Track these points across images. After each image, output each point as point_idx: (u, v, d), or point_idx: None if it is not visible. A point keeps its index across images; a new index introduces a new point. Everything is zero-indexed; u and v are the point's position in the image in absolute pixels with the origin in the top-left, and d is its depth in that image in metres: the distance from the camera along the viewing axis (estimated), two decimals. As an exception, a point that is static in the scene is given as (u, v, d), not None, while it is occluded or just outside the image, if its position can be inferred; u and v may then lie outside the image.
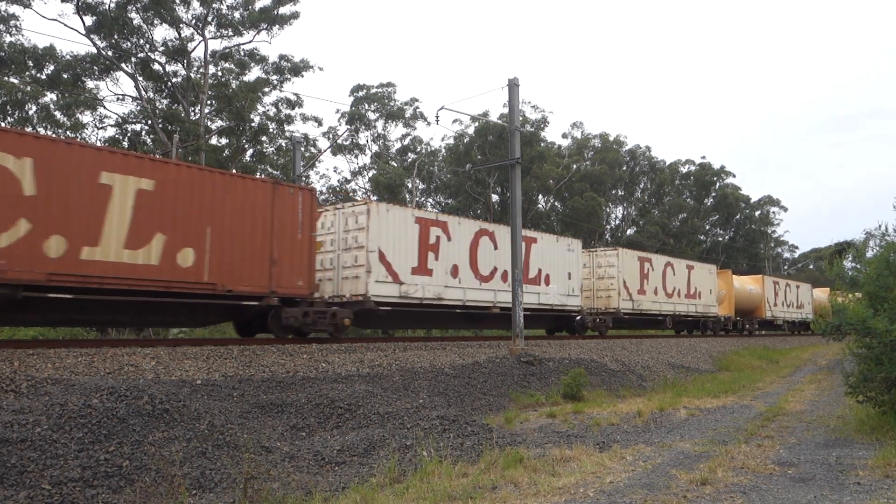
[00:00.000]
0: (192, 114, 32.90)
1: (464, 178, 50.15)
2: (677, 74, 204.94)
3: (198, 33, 33.07)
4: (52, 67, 30.74)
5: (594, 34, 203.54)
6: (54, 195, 10.95)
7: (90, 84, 32.20)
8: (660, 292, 27.45)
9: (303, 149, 37.12)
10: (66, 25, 34.00)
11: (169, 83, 33.21)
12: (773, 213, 78.46)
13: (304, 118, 39.44)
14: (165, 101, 33.97)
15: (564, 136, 61.30)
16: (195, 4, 32.28)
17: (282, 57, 35.77)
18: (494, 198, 51.01)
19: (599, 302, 25.33)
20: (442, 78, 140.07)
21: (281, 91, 36.63)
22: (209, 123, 34.35)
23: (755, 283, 37.52)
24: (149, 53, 32.35)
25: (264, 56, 35.36)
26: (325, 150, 44.49)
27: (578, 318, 23.66)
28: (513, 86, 17.69)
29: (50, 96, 30.65)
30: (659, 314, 27.53)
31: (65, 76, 31.00)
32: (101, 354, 10.63)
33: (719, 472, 6.73)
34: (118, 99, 33.82)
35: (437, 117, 18.40)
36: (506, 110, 19.32)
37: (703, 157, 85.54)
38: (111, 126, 33.24)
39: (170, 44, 32.64)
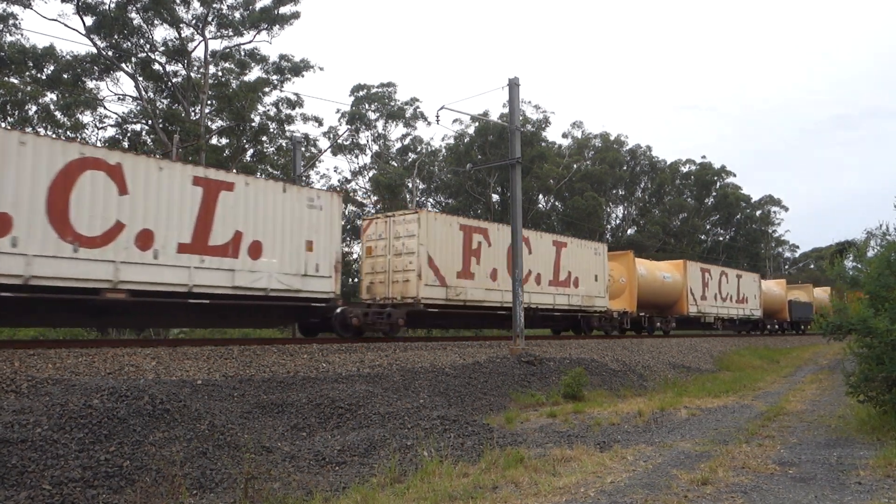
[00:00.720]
0: (193, 114, 32.90)
1: (464, 177, 50.15)
2: (678, 74, 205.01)
3: (198, 33, 33.09)
4: (52, 67, 30.77)
5: (594, 34, 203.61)
6: None
7: (90, 84, 32.24)
8: (501, 277, 19.56)
9: (303, 149, 37.12)
10: (66, 25, 33.96)
11: (169, 83, 33.21)
12: (774, 212, 78.54)
13: (305, 118, 39.47)
14: (166, 101, 33.99)
15: (565, 135, 61.38)
16: (195, 4, 32.31)
17: (282, 57, 35.80)
18: (495, 198, 51.02)
19: (395, 288, 17.51)
20: (442, 78, 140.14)
21: (281, 91, 36.68)
22: (209, 123, 34.37)
23: (673, 269, 29.57)
24: (149, 53, 32.37)
25: (264, 56, 35.40)
26: (325, 150, 44.50)
27: (338, 311, 15.86)
28: (513, 85, 17.69)
29: (50, 96, 30.68)
30: (499, 307, 19.47)
31: (65, 76, 31.01)
32: (101, 355, 10.64)
33: (720, 472, 6.72)
34: (118, 99, 33.85)
35: (437, 117, 18.41)
36: (506, 110, 19.31)
37: (704, 157, 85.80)
38: (111, 126, 33.31)
39: (170, 44, 32.65)
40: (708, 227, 71.52)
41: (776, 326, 40.83)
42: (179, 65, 33.54)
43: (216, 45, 34.51)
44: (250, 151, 37.93)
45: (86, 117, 31.96)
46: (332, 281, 15.44)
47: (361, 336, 16.36)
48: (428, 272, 17.30)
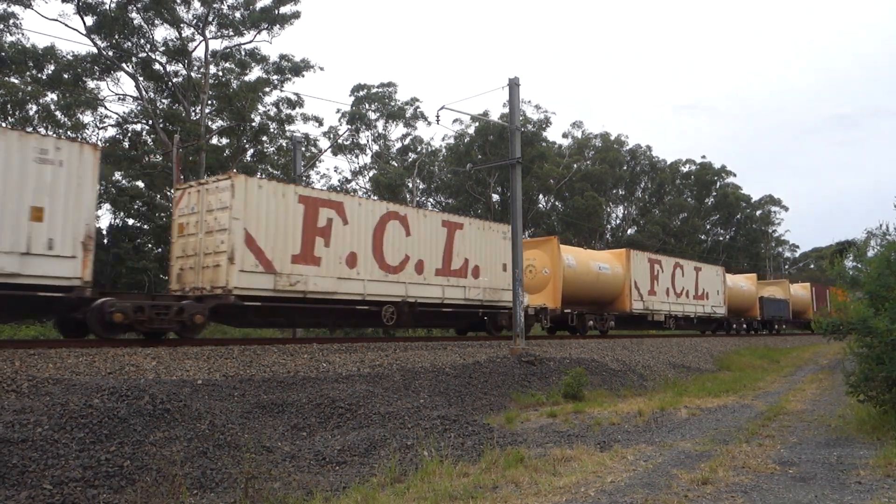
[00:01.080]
0: (193, 114, 32.92)
1: (464, 177, 50.17)
2: (678, 74, 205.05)
3: (198, 33, 33.11)
4: (52, 67, 30.80)
5: (595, 34, 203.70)
6: None
7: (91, 84, 32.28)
8: (364, 263, 15.79)
9: (303, 149, 37.15)
10: (66, 25, 33.99)
11: (169, 83, 33.23)
12: (774, 212, 78.58)
13: (305, 118, 39.53)
14: (166, 101, 34.02)
15: (565, 135, 61.46)
16: (196, 4, 32.34)
17: (282, 57, 35.86)
18: (495, 197, 51.03)
19: (206, 276, 13.82)
20: (442, 78, 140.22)
21: (281, 91, 36.73)
22: (210, 123, 34.38)
23: (613, 259, 25.58)
24: (149, 53, 32.40)
25: (265, 56, 35.44)
26: (325, 150, 44.54)
27: (95, 304, 12.08)
28: (513, 85, 17.70)
29: (51, 96, 30.70)
30: (360, 300, 15.74)
31: (65, 76, 31.04)
32: (102, 354, 10.65)
33: (720, 472, 6.72)
34: (119, 99, 33.86)
35: (437, 117, 18.40)
36: (506, 110, 19.30)
37: (704, 157, 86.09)
38: (112, 126, 33.33)
39: (170, 44, 32.68)
40: (708, 227, 71.56)
41: (744, 326, 36.57)
42: (180, 65, 33.58)
43: (216, 45, 34.57)
44: (250, 151, 37.96)
45: (86, 117, 32.04)
46: (79, 263, 11.55)
47: (159, 338, 13.31)
48: (245, 255, 13.60)
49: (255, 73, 35.72)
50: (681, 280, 29.10)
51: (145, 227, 32.76)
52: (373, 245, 16.11)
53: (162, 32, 39.46)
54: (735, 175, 70.70)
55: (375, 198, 31.90)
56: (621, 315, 25.40)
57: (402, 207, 17.43)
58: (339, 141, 45.77)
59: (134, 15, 30.98)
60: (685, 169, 67.77)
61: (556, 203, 56.99)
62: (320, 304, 15.14)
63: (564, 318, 22.71)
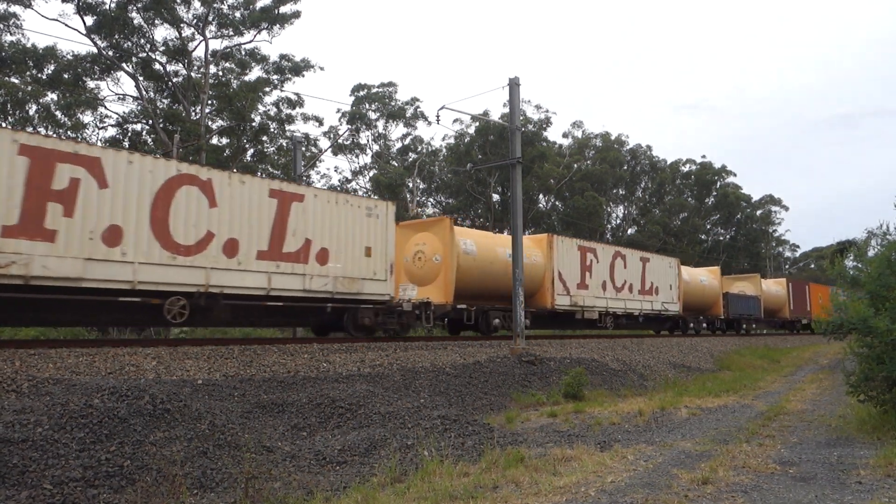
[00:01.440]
0: (193, 113, 32.92)
1: (464, 177, 50.16)
2: (678, 74, 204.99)
3: (198, 33, 33.13)
4: (52, 67, 30.82)
5: (595, 34, 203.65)
6: None
7: (91, 84, 32.31)
8: (135, 241, 11.83)
9: (304, 148, 37.15)
10: (66, 25, 34.14)
11: (170, 83, 33.24)
12: (775, 212, 78.58)
13: (305, 118, 39.57)
14: (166, 101, 34.04)
15: (565, 135, 61.46)
16: (196, 4, 32.36)
17: (282, 56, 35.89)
18: (495, 197, 51.02)
19: None
20: (442, 78, 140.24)
21: (282, 91, 36.76)
22: (210, 123, 34.40)
23: (531, 247, 21.08)
24: (149, 53, 32.42)
25: (265, 56, 35.47)
26: (325, 150, 44.55)
27: None
28: (513, 85, 17.70)
29: (51, 96, 30.72)
30: (129, 289, 11.84)
31: (65, 76, 31.06)
32: (102, 354, 10.64)
33: (720, 472, 6.72)
34: (119, 99, 33.97)
35: (437, 117, 18.40)
36: (507, 110, 19.30)
37: (704, 157, 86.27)
38: (112, 126, 33.35)
39: (170, 44, 32.70)
40: (708, 226, 71.58)
41: (704, 325, 32.22)
42: (180, 65, 33.60)
43: (216, 44, 34.60)
44: (251, 151, 37.98)
45: (86, 117, 32.07)
46: None
47: None
48: None
49: (255, 72, 35.79)
50: (622, 272, 24.85)
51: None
52: (151, 217, 12.14)
53: (162, 32, 39.53)
54: (735, 175, 70.83)
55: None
56: (541, 312, 21.16)
57: (205, 170, 13.22)
58: (340, 141, 45.80)
59: (134, 15, 31.00)
60: (685, 169, 67.83)
61: (557, 203, 57.01)
62: (58, 293, 11.18)
63: (459, 315, 18.63)
